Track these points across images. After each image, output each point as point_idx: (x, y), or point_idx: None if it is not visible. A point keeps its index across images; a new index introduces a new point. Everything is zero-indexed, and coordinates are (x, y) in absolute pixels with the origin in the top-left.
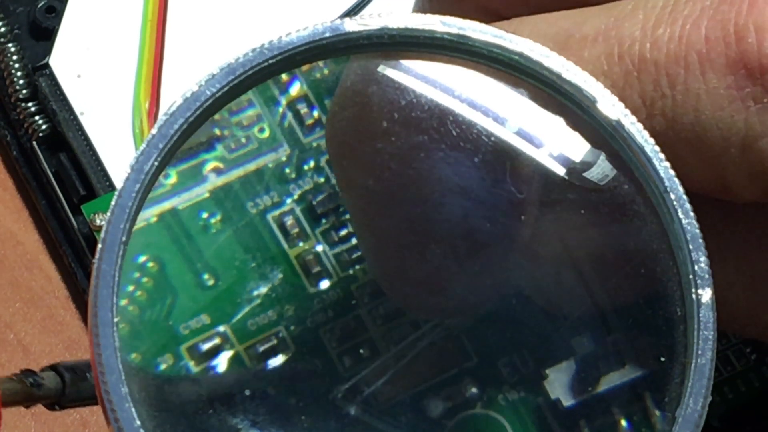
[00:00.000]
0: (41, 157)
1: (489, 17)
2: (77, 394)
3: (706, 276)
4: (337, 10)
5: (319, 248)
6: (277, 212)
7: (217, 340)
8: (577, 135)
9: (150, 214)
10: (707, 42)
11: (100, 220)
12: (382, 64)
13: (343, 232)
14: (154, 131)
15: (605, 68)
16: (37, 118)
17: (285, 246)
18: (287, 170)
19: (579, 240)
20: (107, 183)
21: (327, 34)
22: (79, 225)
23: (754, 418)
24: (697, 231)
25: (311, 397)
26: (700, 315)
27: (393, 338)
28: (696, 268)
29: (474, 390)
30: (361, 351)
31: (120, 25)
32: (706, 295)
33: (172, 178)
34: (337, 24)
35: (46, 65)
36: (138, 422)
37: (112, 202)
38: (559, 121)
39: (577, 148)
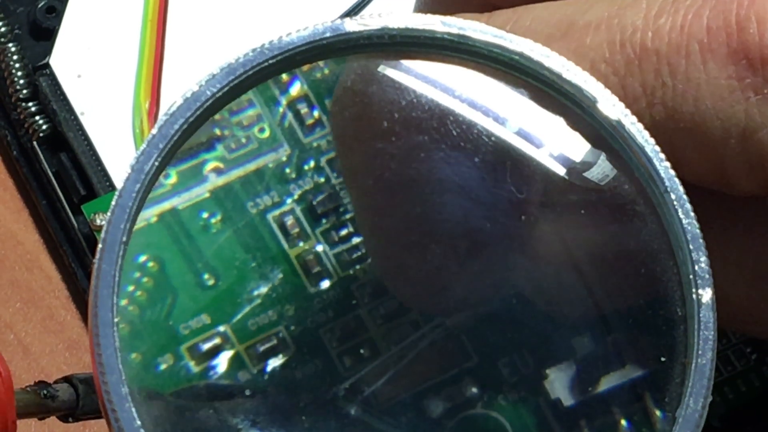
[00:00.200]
0: (42, 157)
1: (489, 10)
2: (91, 406)
3: (707, 276)
4: (338, 10)
5: (320, 248)
6: (277, 212)
7: (217, 340)
8: (577, 135)
9: (150, 214)
10: (709, 32)
11: (100, 220)
12: (382, 64)
13: (344, 232)
14: (154, 131)
15: (607, 56)
16: (37, 118)
17: (285, 246)
18: (287, 170)
19: (579, 240)
20: (107, 183)
21: (327, 34)
22: (79, 225)
23: (754, 418)
24: (698, 231)
25: (312, 397)
26: (701, 315)
27: (393, 338)
28: (696, 268)
29: (474, 390)
30: (362, 351)
31: (120, 25)
32: (706, 295)
33: (172, 178)
34: (337, 24)
35: (47, 65)
36: (138, 422)
37: (113, 202)
38: (559, 121)
39: (578, 148)
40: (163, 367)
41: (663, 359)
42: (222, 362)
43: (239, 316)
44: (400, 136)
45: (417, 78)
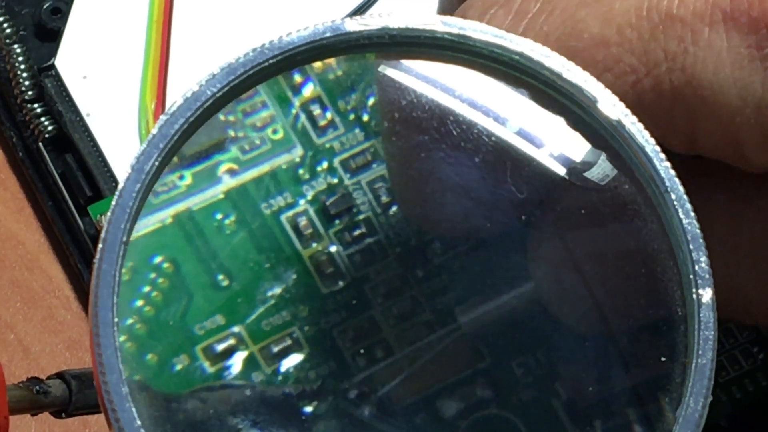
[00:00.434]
0: (47, 158)
1: None
2: (84, 401)
3: (707, 276)
4: (343, 10)
5: (333, 249)
6: (290, 213)
7: (231, 341)
8: (577, 135)
9: (165, 215)
10: (732, 1)
11: None
12: (382, 64)
13: (357, 233)
14: (154, 131)
15: (633, 21)
16: (43, 119)
17: (299, 247)
18: (301, 171)
19: (579, 240)
20: (114, 184)
21: (327, 34)
22: (85, 226)
23: (761, 417)
24: (698, 231)
25: (325, 397)
26: (701, 315)
27: (407, 339)
28: (696, 268)
29: (488, 391)
30: (375, 352)
31: (126, 26)
32: (706, 295)
33: (186, 179)
34: (337, 24)
35: (52, 66)
36: (138, 422)
37: (113, 202)
38: (559, 121)
39: (578, 148)
40: (178, 367)
41: (663, 359)
42: (236, 363)
43: (253, 317)
44: (400, 136)
45: (417, 78)
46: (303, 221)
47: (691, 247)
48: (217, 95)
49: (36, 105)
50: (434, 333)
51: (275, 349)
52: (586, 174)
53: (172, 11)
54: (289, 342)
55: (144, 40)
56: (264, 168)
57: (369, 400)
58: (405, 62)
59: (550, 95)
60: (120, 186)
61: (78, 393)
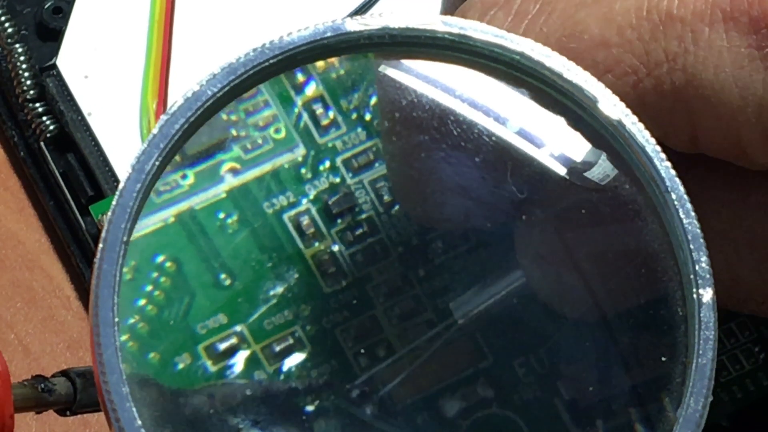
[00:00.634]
0: (49, 157)
1: None
2: (88, 399)
3: (707, 276)
4: (344, 10)
5: (335, 248)
6: (293, 212)
7: (234, 340)
8: (578, 135)
9: (167, 215)
10: (732, 0)
11: None
12: (382, 64)
13: (359, 232)
14: (155, 131)
15: (633, 21)
16: (44, 118)
17: (301, 246)
18: (303, 170)
19: (580, 240)
20: (115, 183)
21: (328, 34)
22: (87, 226)
23: (763, 417)
24: (698, 231)
25: (327, 396)
26: (701, 315)
27: (408, 338)
28: (697, 267)
29: (489, 390)
30: (377, 351)
31: (127, 26)
32: (707, 294)
33: (189, 178)
34: (338, 24)
35: (54, 66)
36: (139, 422)
37: (113, 202)
38: (560, 121)
39: (578, 147)
40: (180, 366)
41: (664, 359)
42: (238, 362)
43: (255, 316)
44: (400, 136)
45: (418, 78)
46: (305, 220)
47: (691, 247)
48: (218, 95)
49: (37, 104)
50: (436, 332)
51: (277, 348)
52: (586, 174)
53: (174, 11)
54: (291, 341)
55: (145, 39)
56: (266, 167)
57: (370, 399)
58: (405, 62)
59: (551, 95)
60: (120, 186)
61: (83, 391)
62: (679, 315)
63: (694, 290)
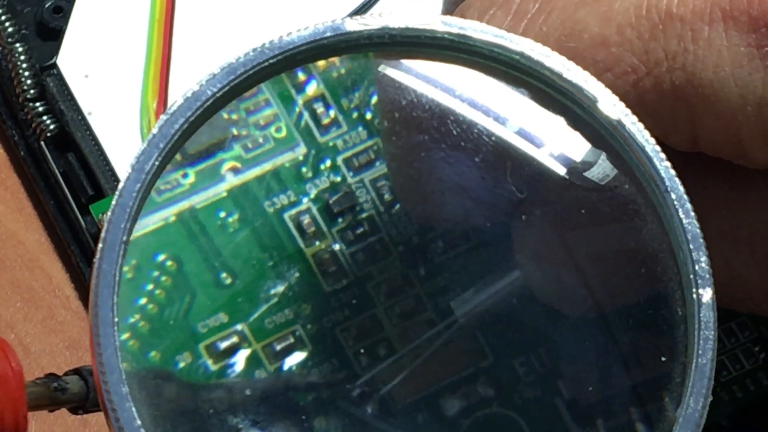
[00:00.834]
0: (49, 157)
1: None
2: None
3: (707, 276)
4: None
5: (336, 247)
6: (293, 211)
7: (234, 339)
8: (577, 134)
9: (168, 214)
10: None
11: None
12: (382, 64)
13: (360, 231)
14: (154, 131)
15: (633, 20)
16: (44, 118)
17: (302, 245)
18: (304, 169)
19: (580, 240)
20: (115, 183)
21: (328, 34)
22: (87, 225)
23: (763, 416)
24: (698, 231)
25: (328, 395)
26: (701, 315)
27: (409, 337)
28: (696, 267)
29: (490, 389)
30: (377, 350)
31: (127, 25)
32: (706, 294)
33: (190, 177)
34: (337, 24)
35: (54, 65)
36: (138, 422)
37: (113, 202)
38: (559, 121)
39: (578, 147)
40: (181, 365)
41: (663, 359)
42: (239, 361)
43: (256, 315)
44: (400, 136)
45: (417, 78)
46: (306, 219)
47: (691, 246)
48: (218, 95)
49: (38, 104)
50: (437, 331)
51: (278, 347)
52: (586, 174)
53: (174, 10)
54: (291, 340)
55: (146, 38)
56: (267, 166)
57: (371, 398)
58: (405, 62)
59: (550, 95)
60: (120, 186)
61: (95, 389)
62: (678, 315)
63: (694, 290)
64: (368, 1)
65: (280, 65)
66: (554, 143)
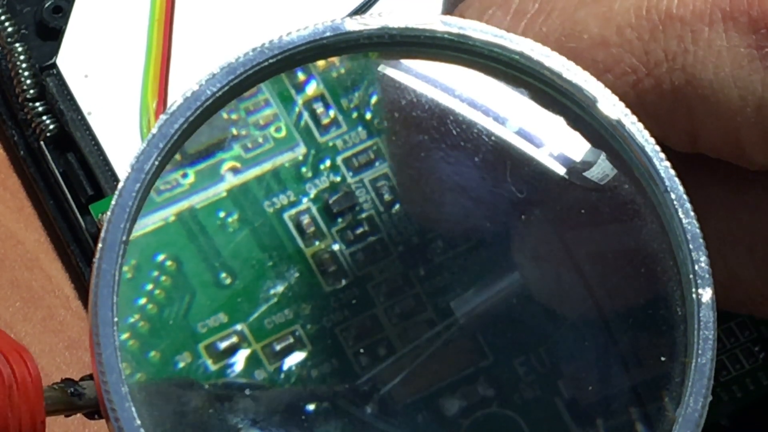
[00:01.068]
0: (49, 157)
1: None
2: None
3: (707, 276)
4: (343, 10)
5: (336, 247)
6: (293, 211)
7: (234, 339)
8: (577, 134)
9: (168, 213)
10: (731, 0)
11: None
12: (382, 64)
13: (359, 231)
14: (154, 130)
15: (633, 21)
16: (44, 118)
17: (301, 245)
18: (304, 169)
19: (579, 239)
20: (115, 183)
21: (327, 34)
22: (87, 225)
23: (762, 416)
24: (698, 231)
25: (327, 396)
26: (701, 315)
27: (409, 337)
28: (696, 267)
29: (490, 389)
30: (377, 350)
31: (127, 25)
32: (706, 294)
33: (189, 177)
34: (337, 23)
35: (54, 65)
36: (138, 422)
37: (113, 202)
38: (559, 121)
39: (578, 147)
40: (181, 365)
41: (663, 359)
42: (239, 361)
43: (256, 315)
44: (400, 136)
45: (417, 78)
46: (306, 219)
47: (690, 246)
48: (217, 95)
49: (37, 104)
50: (437, 331)
51: (277, 347)
52: (585, 174)
53: (174, 10)
54: (291, 340)
55: (145, 38)
56: (267, 166)
57: (371, 398)
58: (405, 62)
59: (550, 95)
60: (120, 185)
61: None
62: (678, 315)
63: (694, 290)
64: (368, 1)
65: (279, 65)
66: (554, 143)
